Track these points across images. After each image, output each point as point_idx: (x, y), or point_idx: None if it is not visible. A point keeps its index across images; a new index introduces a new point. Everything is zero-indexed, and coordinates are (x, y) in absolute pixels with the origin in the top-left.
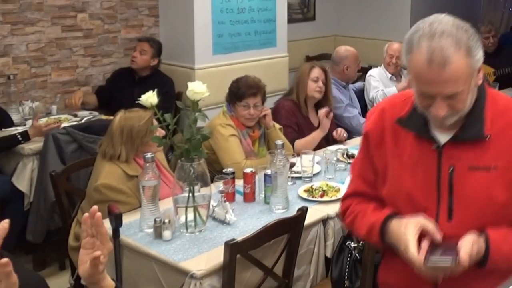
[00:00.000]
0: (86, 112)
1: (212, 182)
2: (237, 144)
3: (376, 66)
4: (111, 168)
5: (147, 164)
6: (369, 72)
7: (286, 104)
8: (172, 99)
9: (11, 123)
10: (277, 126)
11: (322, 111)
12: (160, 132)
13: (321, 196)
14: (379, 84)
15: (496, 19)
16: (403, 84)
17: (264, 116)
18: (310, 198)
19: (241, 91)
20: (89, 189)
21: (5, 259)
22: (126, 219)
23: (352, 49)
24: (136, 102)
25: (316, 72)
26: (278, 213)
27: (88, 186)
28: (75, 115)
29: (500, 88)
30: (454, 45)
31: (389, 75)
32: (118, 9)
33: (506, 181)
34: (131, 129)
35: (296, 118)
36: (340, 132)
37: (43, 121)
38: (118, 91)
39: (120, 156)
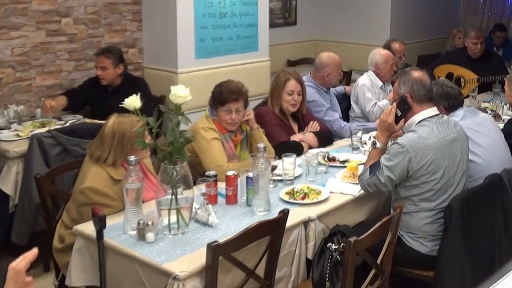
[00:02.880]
0: (70, 116)
1: (194, 184)
2: (220, 147)
3: (359, 71)
4: (97, 171)
5: (131, 167)
6: (361, 81)
7: (268, 109)
8: (150, 99)
9: None
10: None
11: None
12: (148, 138)
13: (302, 198)
14: (373, 96)
15: (476, 24)
16: (391, 96)
17: (247, 120)
18: (292, 200)
19: (223, 96)
20: (75, 191)
21: (29, 278)
22: (110, 221)
23: (335, 56)
24: (120, 105)
25: (291, 85)
26: (260, 215)
27: (74, 187)
28: (60, 119)
29: (479, 92)
30: None
31: (380, 83)
32: (102, 14)
33: None
34: (123, 134)
35: (280, 122)
36: (314, 124)
37: (27, 124)
38: (94, 102)
39: (107, 159)
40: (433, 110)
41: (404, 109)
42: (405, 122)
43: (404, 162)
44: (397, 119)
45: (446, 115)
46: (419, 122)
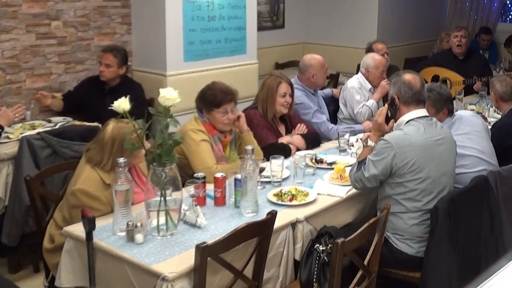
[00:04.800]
0: (60, 118)
1: (183, 186)
2: (208, 149)
3: (346, 73)
4: (90, 174)
5: (120, 169)
6: (349, 83)
7: (256, 112)
8: (143, 104)
9: None
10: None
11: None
12: (147, 145)
13: (290, 200)
14: (361, 98)
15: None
16: (377, 96)
17: (238, 118)
18: (279, 202)
19: (218, 98)
20: (68, 191)
21: None
22: (99, 222)
23: (318, 56)
24: (109, 108)
25: (283, 88)
26: (248, 216)
27: (68, 186)
28: (49, 121)
29: (465, 94)
30: None
31: (369, 86)
32: (92, 17)
33: None
34: (123, 141)
35: (268, 124)
36: (301, 127)
37: (18, 126)
38: (89, 101)
39: (106, 165)
40: (421, 111)
41: (393, 109)
42: (394, 122)
43: (389, 158)
44: (388, 120)
45: (443, 119)
46: (407, 122)
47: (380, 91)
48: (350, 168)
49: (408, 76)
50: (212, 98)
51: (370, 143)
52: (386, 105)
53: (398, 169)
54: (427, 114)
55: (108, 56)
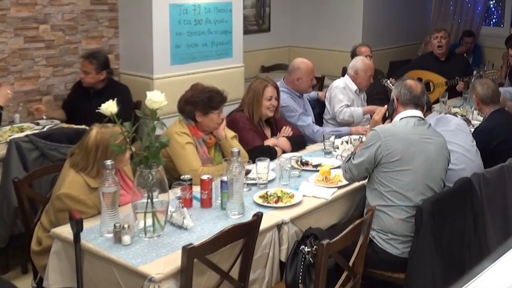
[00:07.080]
0: (48, 121)
1: (170, 188)
2: (194, 151)
3: (331, 76)
4: (74, 178)
5: (107, 171)
6: (335, 83)
7: (242, 115)
8: (130, 106)
9: None
10: (230, 135)
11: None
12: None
13: (276, 202)
14: (345, 98)
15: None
16: (366, 108)
17: (217, 128)
18: (265, 204)
19: (216, 99)
20: (53, 195)
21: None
22: (87, 224)
23: (308, 62)
24: (96, 111)
25: (269, 91)
26: (234, 218)
27: (53, 191)
28: (37, 124)
29: (449, 97)
30: None
31: (355, 88)
32: (79, 20)
33: None
34: (107, 147)
35: (254, 127)
36: (287, 129)
37: (6, 128)
38: (76, 105)
39: (91, 171)
40: (416, 112)
41: (391, 110)
42: (390, 121)
43: (375, 146)
44: (384, 119)
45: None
46: (401, 119)
47: (368, 110)
48: (335, 170)
49: (410, 82)
50: (207, 101)
51: (364, 139)
52: (385, 106)
53: (383, 157)
54: (422, 116)
55: (84, 63)
